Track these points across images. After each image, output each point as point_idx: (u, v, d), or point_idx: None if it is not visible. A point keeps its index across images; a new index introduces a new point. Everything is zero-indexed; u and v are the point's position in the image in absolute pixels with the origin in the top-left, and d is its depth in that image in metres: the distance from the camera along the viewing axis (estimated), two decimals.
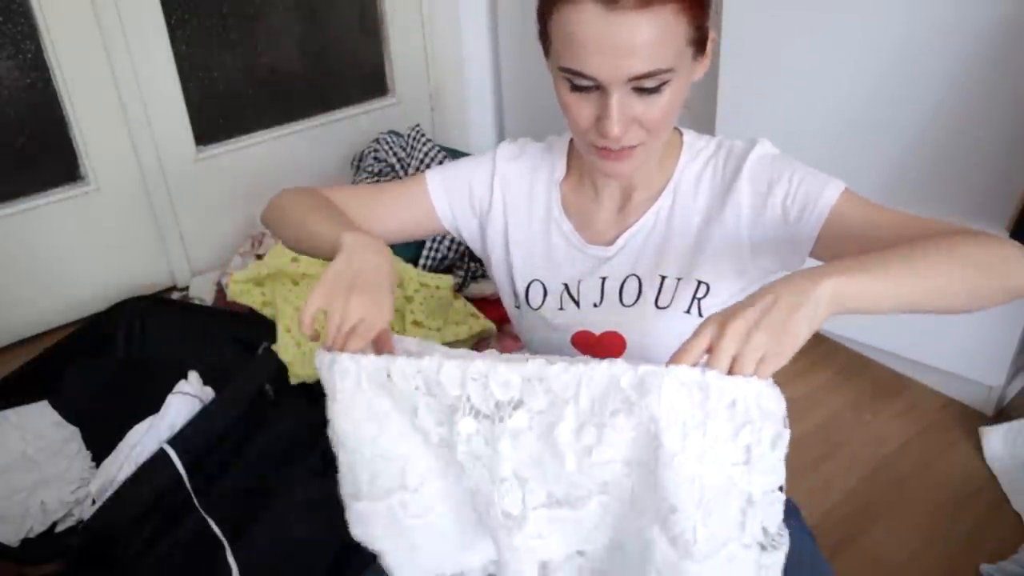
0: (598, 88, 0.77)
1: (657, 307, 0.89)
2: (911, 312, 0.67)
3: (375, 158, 2.17)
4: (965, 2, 1.32)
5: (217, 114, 2.13)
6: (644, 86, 0.75)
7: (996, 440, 1.51)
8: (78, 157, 1.94)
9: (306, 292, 1.72)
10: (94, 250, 2.02)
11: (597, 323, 0.92)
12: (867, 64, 1.47)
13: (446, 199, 0.99)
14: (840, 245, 0.81)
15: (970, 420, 1.59)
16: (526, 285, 0.96)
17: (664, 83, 0.76)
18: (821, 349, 1.81)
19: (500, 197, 0.97)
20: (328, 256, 0.80)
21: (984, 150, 1.39)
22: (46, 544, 1.34)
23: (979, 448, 1.52)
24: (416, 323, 1.64)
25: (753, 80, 1.63)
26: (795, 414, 1.77)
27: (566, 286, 0.94)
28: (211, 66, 2.08)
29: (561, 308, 0.94)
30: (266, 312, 1.77)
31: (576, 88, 0.78)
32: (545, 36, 0.81)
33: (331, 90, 2.32)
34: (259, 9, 2.12)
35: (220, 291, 1.97)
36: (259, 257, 2.00)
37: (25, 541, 1.33)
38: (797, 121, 1.61)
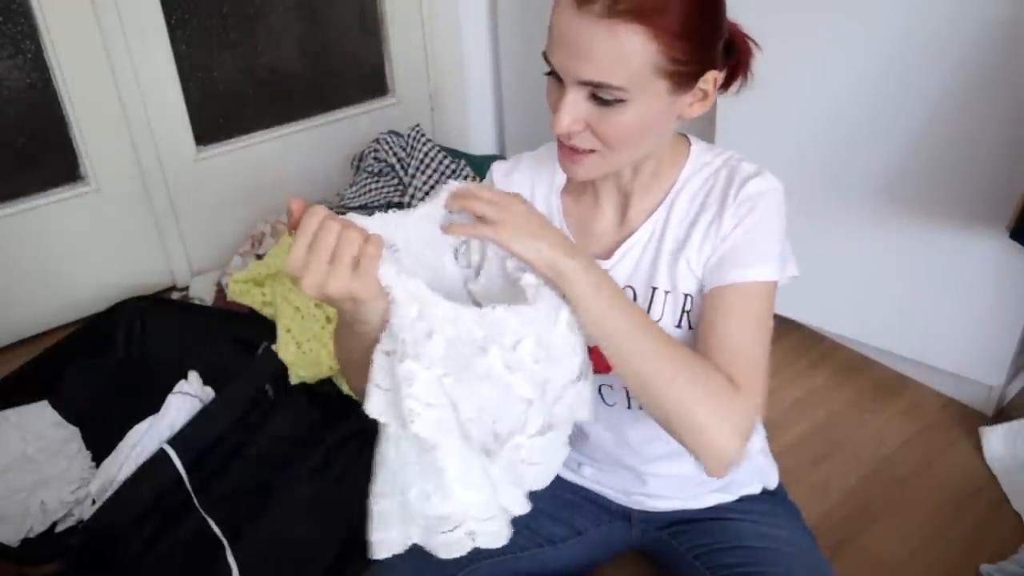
0: (563, 81, 0.77)
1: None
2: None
3: (375, 158, 2.17)
4: (965, 3, 1.32)
5: (217, 114, 2.13)
6: (599, 95, 0.75)
7: (996, 440, 1.51)
8: (78, 157, 1.94)
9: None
10: (94, 250, 2.02)
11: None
12: (866, 65, 1.47)
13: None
14: (704, 314, 0.85)
15: (970, 420, 1.59)
16: None
17: (619, 100, 0.75)
18: (821, 348, 1.81)
19: None
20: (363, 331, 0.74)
21: (984, 152, 1.39)
22: (46, 544, 1.34)
23: (979, 448, 1.52)
24: None
25: (753, 83, 1.63)
26: (795, 414, 1.78)
27: (563, 297, 0.94)
28: (211, 66, 2.08)
29: None
30: (266, 312, 1.77)
31: (551, 72, 0.79)
32: None
33: (331, 90, 2.32)
34: (259, 9, 2.12)
35: (220, 291, 1.97)
36: (259, 257, 2.00)
37: (25, 541, 1.33)
38: (797, 123, 1.61)
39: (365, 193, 2.09)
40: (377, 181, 2.12)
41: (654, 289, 0.90)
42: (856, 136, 1.54)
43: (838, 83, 1.53)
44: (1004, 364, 1.52)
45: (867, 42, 1.46)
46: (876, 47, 1.45)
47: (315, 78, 2.31)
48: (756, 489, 1.08)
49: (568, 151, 0.82)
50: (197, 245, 2.16)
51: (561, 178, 0.96)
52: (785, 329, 1.85)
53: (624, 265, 0.92)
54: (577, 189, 0.95)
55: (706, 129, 1.74)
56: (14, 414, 1.57)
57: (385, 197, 2.07)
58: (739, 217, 0.85)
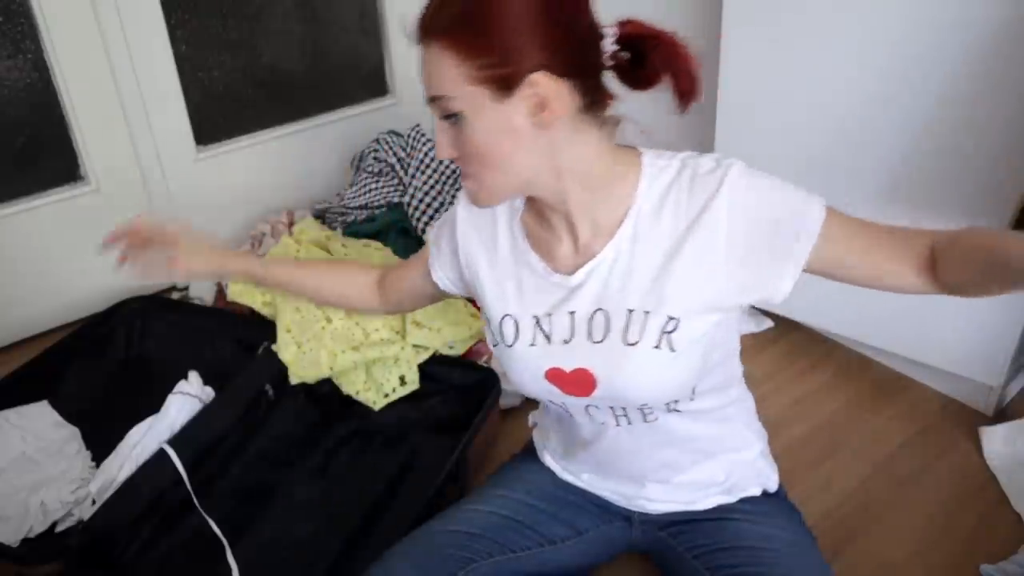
0: None
1: (626, 343, 0.88)
2: None
3: (375, 158, 2.17)
4: (965, 3, 1.32)
5: (217, 114, 2.13)
6: (446, 114, 0.82)
7: (996, 440, 1.51)
8: (78, 157, 1.94)
9: None
10: (94, 250, 2.02)
11: (568, 360, 0.92)
12: (867, 65, 1.48)
13: (437, 257, 1.05)
14: (830, 267, 0.84)
15: (970, 420, 1.59)
16: (499, 321, 0.96)
17: (457, 113, 0.81)
18: (821, 349, 1.81)
19: (466, 240, 1.00)
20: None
21: (984, 151, 1.39)
22: (46, 544, 1.34)
23: (979, 448, 1.52)
24: (416, 323, 1.64)
25: (752, 82, 1.63)
26: (795, 414, 1.79)
27: (536, 319, 0.93)
28: (211, 66, 2.08)
29: (533, 344, 0.94)
30: (266, 312, 1.77)
31: None
32: None
33: (331, 90, 2.32)
34: (259, 9, 2.12)
35: (220, 291, 1.97)
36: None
37: (25, 541, 1.33)
38: (796, 123, 1.61)
39: (365, 193, 2.09)
40: (377, 181, 2.12)
41: (630, 311, 0.88)
42: (856, 136, 1.55)
43: (838, 84, 1.53)
44: (1004, 364, 1.52)
45: (867, 42, 1.46)
46: (876, 47, 1.45)
47: (315, 78, 2.31)
48: (756, 491, 1.08)
49: (463, 179, 0.88)
50: None
51: (520, 202, 0.96)
52: (785, 329, 1.85)
53: (590, 287, 0.90)
54: (536, 211, 0.94)
55: (705, 130, 1.74)
56: (14, 414, 1.57)
57: (385, 197, 2.07)
58: (757, 211, 0.82)
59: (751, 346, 1.81)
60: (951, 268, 0.79)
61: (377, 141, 2.19)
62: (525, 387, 0.98)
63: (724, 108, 1.70)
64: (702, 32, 1.75)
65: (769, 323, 1.87)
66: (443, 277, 1.06)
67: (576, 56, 0.80)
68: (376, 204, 2.07)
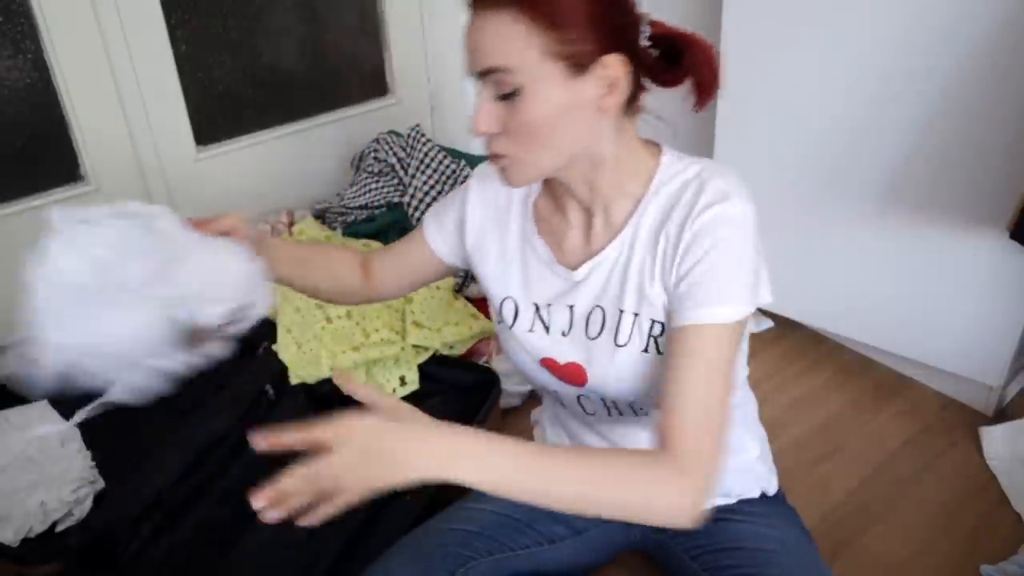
0: None
1: (616, 344, 0.88)
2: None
3: (375, 158, 2.17)
4: (966, 4, 1.32)
5: (217, 114, 2.13)
6: (501, 91, 0.77)
7: (996, 440, 1.51)
8: (78, 157, 1.94)
9: None
10: None
11: (563, 352, 0.93)
12: (868, 64, 1.48)
13: (438, 232, 1.03)
14: (667, 351, 0.82)
15: (970, 420, 1.59)
16: (500, 301, 0.97)
17: (517, 90, 0.76)
18: (821, 349, 1.81)
19: (476, 214, 0.99)
20: None
21: (984, 152, 1.39)
22: (46, 544, 1.34)
23: (979, 448, 1.52)
24: (416, 324, 1.64)
25: (752, 82, 1.63)
26: (795, 414, 1.78)
27: (536, 307, 0.94)
28: (211, 66, 2.08)
29: (531, 330, 0.95)
30: (266, 312, 1.77)
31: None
32: None
33: (331, 90, 2.32)
34: (259, 9, 2.12)
35: None
36: None
37: (25, 541, 1.33)
38: (798, 123, 1.62)
39: (365, 193, 2.09)
40: (377, 181, 2.12)
41: (621, 312, 0.88)
42: (856, 137, 1.55)
43: (839, 84, 1.53)
44: (1004, 364, 1.52)
45: (868, 42, 1.46)
46: (877, 47, 1.45)
47: (315, 78, 2.31)
48: (755, 494, 1.08)
49: (491, 158, 0.83)
50: None
51: (536, 187, 0.96)
52: (785, 329, 1.85)
53: (591, 284, 0.90)
54: (550, 198, 0.94)
55: (705, 130, 1.74)
56: (14, 414, 1.57)
57: (385, 197, 2.07)
58: (700, 251, 0.81)
59: (751, 346, 1.81)
60: None
61: (377, 141, 2.19)
62: (520, 367, 0.99)
63: (724, 107, 1.70)
64: (702, 32, 1.75)
65: (769, 323, 1.87)
66: (441, 245, 1.02)
67: (636, 44, 0.80)
68: (376, 204, 2.07)
